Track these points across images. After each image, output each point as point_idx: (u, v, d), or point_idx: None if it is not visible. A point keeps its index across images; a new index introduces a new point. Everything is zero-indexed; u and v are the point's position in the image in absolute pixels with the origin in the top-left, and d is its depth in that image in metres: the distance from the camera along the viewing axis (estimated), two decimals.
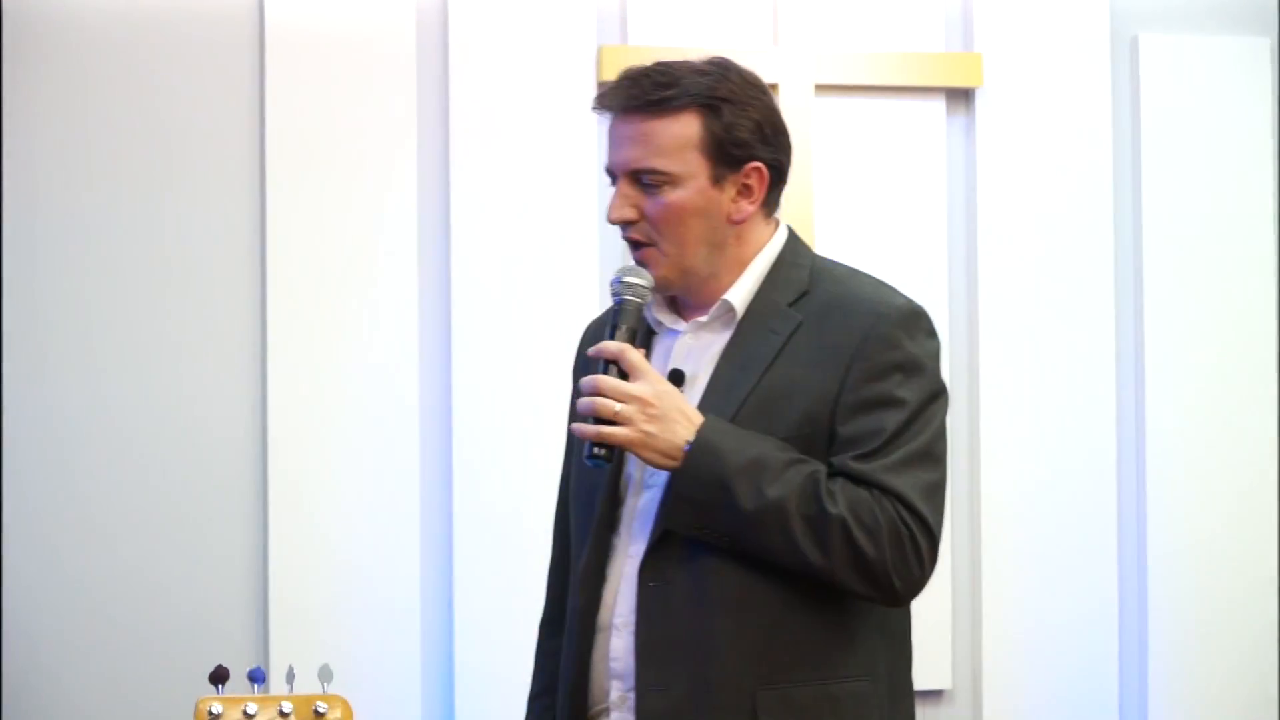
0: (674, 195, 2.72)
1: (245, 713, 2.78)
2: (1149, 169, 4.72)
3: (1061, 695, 4.65)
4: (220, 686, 2.78)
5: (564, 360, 4.41)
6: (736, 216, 2.76)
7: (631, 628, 2.70)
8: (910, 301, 2.74)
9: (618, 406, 2.61)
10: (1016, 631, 4.64)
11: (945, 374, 4.70)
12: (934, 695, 4.60)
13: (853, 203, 4.62)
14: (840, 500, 2.61)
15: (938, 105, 4.64)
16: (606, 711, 2.73)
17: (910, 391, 2.68)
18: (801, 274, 2.78)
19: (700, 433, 2.62)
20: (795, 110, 4.51)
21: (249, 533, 4.40)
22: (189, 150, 4.43)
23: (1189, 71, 4.74)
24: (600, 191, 4.52)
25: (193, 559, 4.38)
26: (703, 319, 2.77)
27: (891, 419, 2.65)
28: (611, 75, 4.42)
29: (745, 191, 2.76)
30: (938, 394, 2.73)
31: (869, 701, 2.72)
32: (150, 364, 4.39)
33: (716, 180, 2.74)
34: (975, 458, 4.67)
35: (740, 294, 2.76)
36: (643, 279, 2.72)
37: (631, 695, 2.70)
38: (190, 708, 2.81)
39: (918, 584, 2.67)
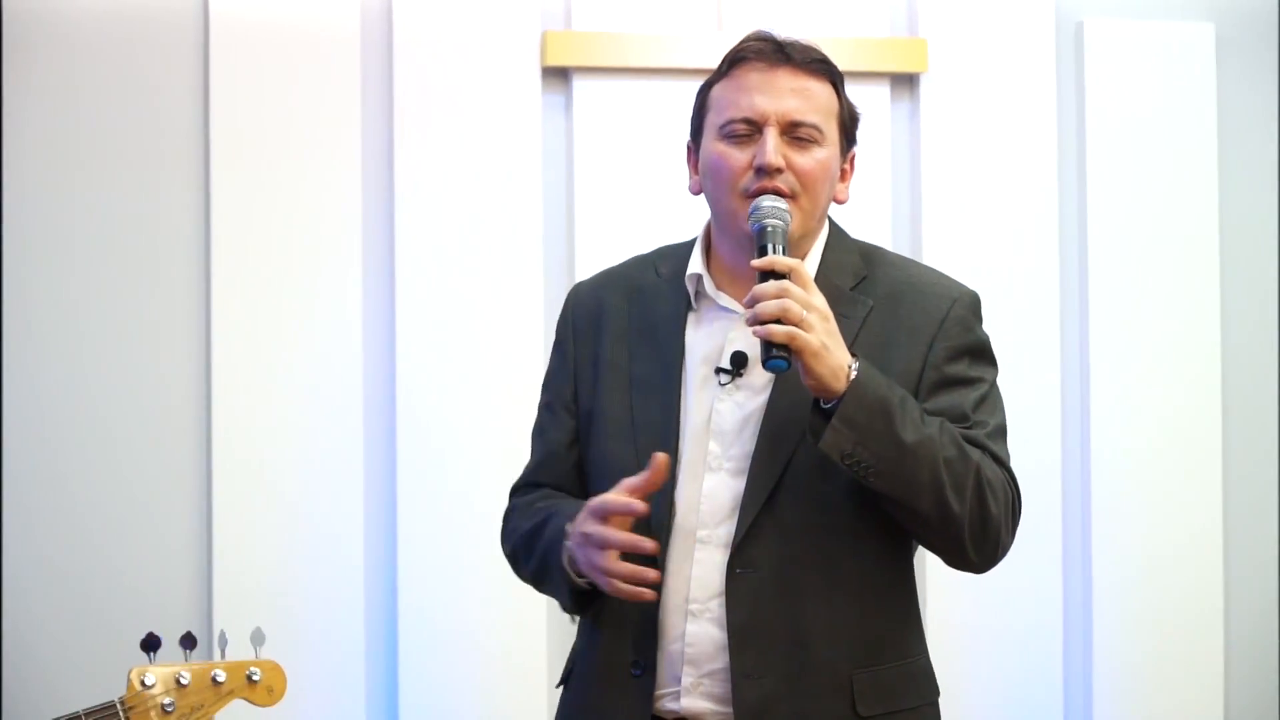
0: (823, 154, 2.74)
1: (178, 682, 2.75)
2: (1093, 154, 4.72)
3: (1007, 699, 4.64)
4: (153, 655, 2.75)
5: (508, 344, 4.45)
6: (841, 196, 2.82)
7: (713, 614, 2.67)
8: (971, 289, 2.82)
9: (803, 312, 2.55)
10: (958, 620, 4.62)
11: None
12: None
13: None
14: (974, 452, 2.65)
15: (882, 90, 4.64)
16: (675, 696, 2.69)
17: (984, 371, 2.76)
18: (853, 258, 2.81)
19: (861, 360, 2.59)
20: None
21: (193, 509, 4.40)
22: (133, 144, 4.40)
23: (1133, 57, 4.74)
24: (546, 176, 4.52)
25: (138, 536, 4.37)
26: None
27: (972, 395, 2.71)
28: (556, 60, 4.49)
29: (843, 175, 2.82)
30: (996, 377, 2.80)
31: (932, 677, 2.81)
32: (95, 349, 4.36)
33: (842, 154, 2.79)
34: None
35: None
36: (783, 204, 2.68)
37: (709, 680, 2.67)
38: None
39: (1006, 551, 2.73)
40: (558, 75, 4.56)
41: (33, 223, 4.35)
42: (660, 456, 2.60)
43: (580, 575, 2.67)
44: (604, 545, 2.60)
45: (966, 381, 2.73)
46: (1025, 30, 4.70)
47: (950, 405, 2.69)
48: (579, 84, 4.54)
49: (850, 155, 2.82)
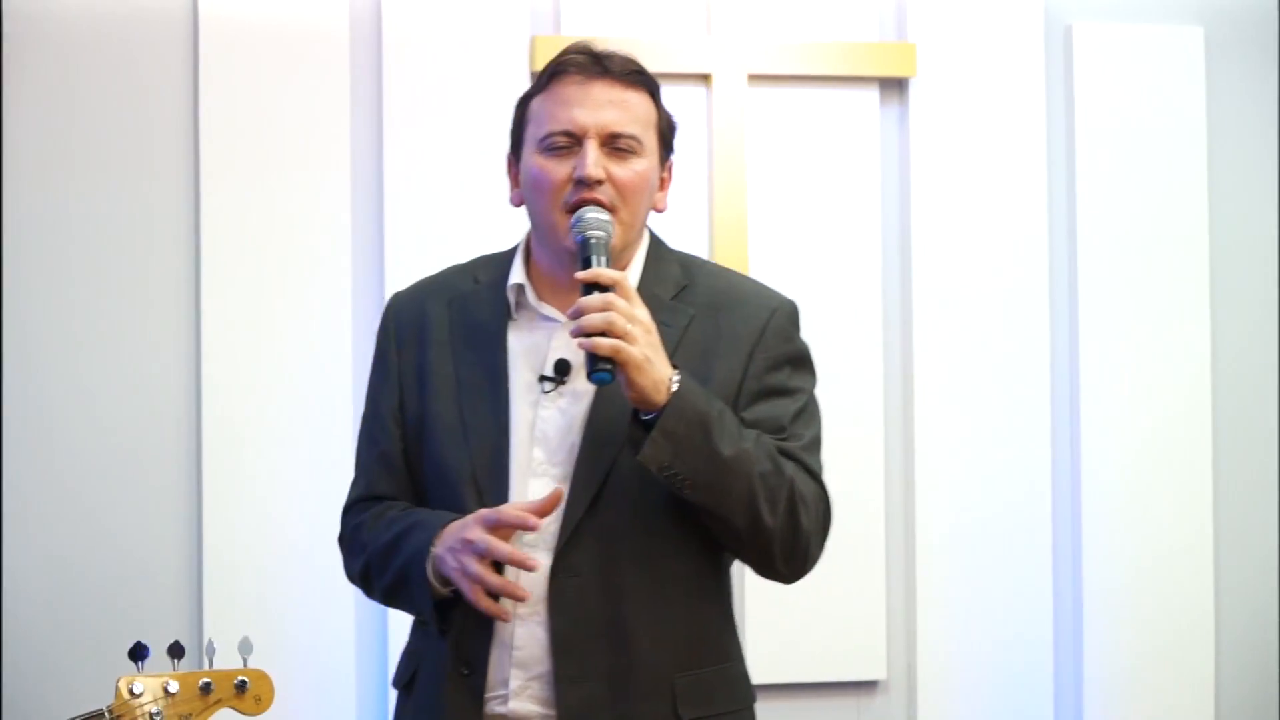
0: (642, 165, 2.76)
1: (166, 690, 2.75)
2: (1083, 158, 4.73)
3: (997, 686, 4.64)
4: (141, 664, 2.75)
5: None
6: (660, 205, 2.84)
7: (539, 618, 2.70)
8: (790, 299, 2.86)
9: (627, 325, 2.58)
10: (950, 625, 4.62)
11: (877, 370, 4.71)
12: (869, 686, 4.59)
13: (786, 193, 4.61)
14: (788, 466, 2.68)
15: (871, 95, 4.63)
16: (503, 699, 2.72)
17: (803, 381, 2.81)
18: (673, 268, 2.85)
19: (682, 373, 2.62)
20: (728, 100, 4.51)
21: (182, 517, 4.40)
22: (123, 142, 4.40)
23: (1122, 60, 4.75)
24: None
25: (127, 544, 4.36)
26: None
27: (790, 407, 2.76)
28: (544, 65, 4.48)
29: (662, 184, 2.84)
30: (814, 388, 2.84)
31: (749, 682, 2.86)
32: (85, 354, 4.37)
33: (661, 163, 2.81)
34: (909, 455, 4.66)
35: None
36: (605, 216, 2.71)
37: (536, 684, 2.71)
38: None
39: (815, 562, 2.78)
40: None
41: (29, 222, 4.36)
42: (557, 490, 2.65)
43: (444, 584, 2.69)
44: (485, 554, 2.61)
45: (786, 392, 2.78)
46: (1014, 34, 4.70)
47: (769, 415, 2.74)
48: None
49: (669, 164, 2.85)
